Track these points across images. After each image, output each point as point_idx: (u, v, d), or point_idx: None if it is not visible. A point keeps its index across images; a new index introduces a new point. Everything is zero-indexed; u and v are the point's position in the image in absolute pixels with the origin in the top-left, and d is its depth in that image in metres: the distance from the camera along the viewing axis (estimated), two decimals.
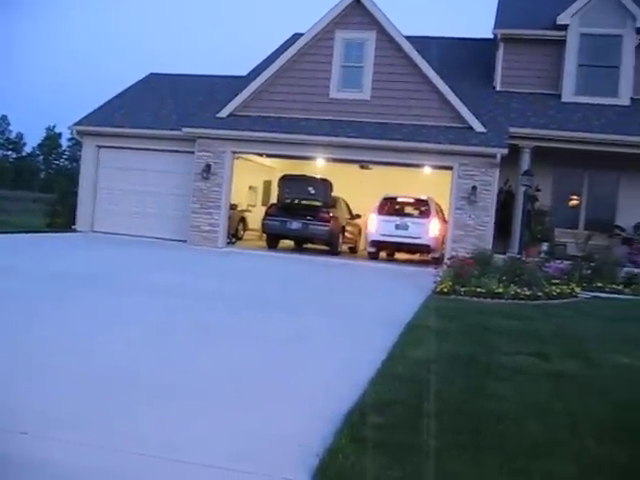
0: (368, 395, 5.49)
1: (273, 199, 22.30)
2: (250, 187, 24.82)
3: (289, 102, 19.18)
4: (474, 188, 17.42)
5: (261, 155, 20.84)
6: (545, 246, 18.05)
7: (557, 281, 13.57)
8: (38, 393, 5.17)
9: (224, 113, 19.53)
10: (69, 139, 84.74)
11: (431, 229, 18.29)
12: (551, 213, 19.25)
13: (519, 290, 12.06)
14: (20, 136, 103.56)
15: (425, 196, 19.21)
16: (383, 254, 20.32)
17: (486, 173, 17.50)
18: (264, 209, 21.26)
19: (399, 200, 19.74)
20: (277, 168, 23.56)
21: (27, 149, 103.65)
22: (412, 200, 19.63)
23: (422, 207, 19.21)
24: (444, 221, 19.20)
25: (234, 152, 19.42)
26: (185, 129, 19.49)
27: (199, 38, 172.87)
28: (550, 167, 19.56)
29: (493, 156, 17.32)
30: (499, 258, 15.14)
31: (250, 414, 5.12)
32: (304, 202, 20.15)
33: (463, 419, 5.09)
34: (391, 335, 7.87)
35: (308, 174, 20.49)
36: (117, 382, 5.58)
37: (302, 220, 19.15)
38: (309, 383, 6.13)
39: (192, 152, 19.50)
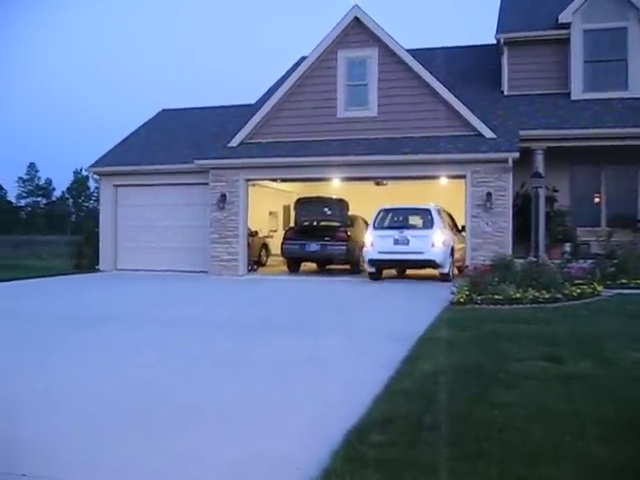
0: (371, 413, 5.46)
1: (291, 223, 22.38)
2: (270, 213, 24.98)
3: (298, 125, 19.29)
4: (489, 194, 17.30)
5: (275, 180, 20.94)
6: (567, 247, 17.80)
7: (580, 281, 13.35)
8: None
9: (235, 142, 19.70)
10: (96, 181, 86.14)
11: (436, 241, 16.32)
12: (571, 213, 19.03)
13: (537, 294, 11.89)
14: (49, 181, 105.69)
15: (427, 204, 17.36)
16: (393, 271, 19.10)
17: (500, 178, 17.37)
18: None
19: (397, 211, 17.75)
20: (294, 192, 23.66)
21: (57, 193, 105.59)
22: (412, 210, 17.79)
23: (424, 217, 17.15)
24: (456, 230, 18.41)
25: (247, 180, 19.55)
26: (197, 161, 19.68)
27: (210, 70, 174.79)
28: (566, 167, 19.38)
29: (505, 161, 17.20)
30: (520, 263, 14.96)
31: (251, 434, 5.17)
32: (321, 223, 20.18)
33: (465, 430, 5.01)
34: (401, 350, 7.81)
35: (323, 195, 20.54)
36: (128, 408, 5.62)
37: (320, 241, 19.14)
38: (314, 403, 6.10)
39: (207, 183, 19.68)
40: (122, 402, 6.12)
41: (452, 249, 16.92)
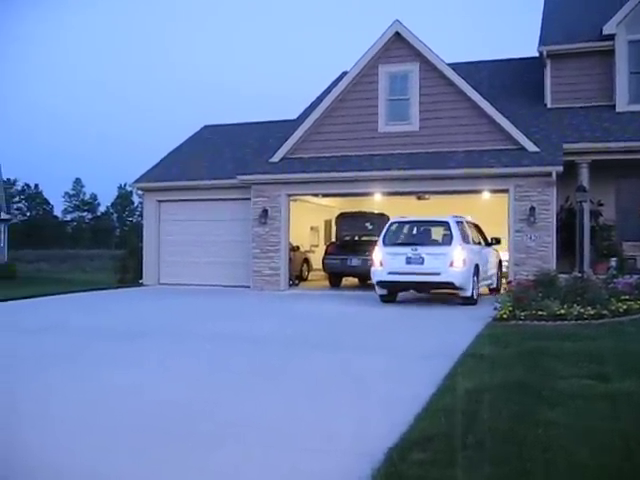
0: (412, 430, 5.41)
1: (333, 238, 22.42)
2: (312, 228, 25.04)
3: (339, 140, 19.36)
4: (532, 209, 17.11)
5: (317, 195, 21.01)
6: (613, 261, 17.50)
7: (627, 297, 13.08)
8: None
9: (276, 157, 19.83)
10: (140, 196, 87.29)
11: (455, 260, 14.29)
12: (617, 227, 18.71)
13: (582, 310, 11.68)
14: (94, 197, 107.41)
15: (446, 216, 15.35)
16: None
17: (543, 192, 17.17)
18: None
19: (411, 225, 16.01)
20: (336, 207, 23.71)
21: (101, 208, 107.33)
22: (428, 223, 16.01)
23: (442, 232, 15.22)
24: (486, 244, 17.01)
25: (289, 195, 19.65)
26: (239, 177, 19.85)
27: (252, 86, 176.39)
28: (611, 180, 19.07)
29: (549, 175, 17.00)
30: (564, 278, 14.73)
31: (292, 452, 5.14)
32: (362, 238, 20.17)
33: (508, 449, 4.94)
34: (443, 367, 7.74)
35: (365, 210, 20.54)
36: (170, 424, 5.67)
37: (361, 256, 19.08)
38: (355, 419, 6.07)
39: (248, 199, 19.83)
40: (163, 416, 6.17)
41: (477, 267, 15.05)
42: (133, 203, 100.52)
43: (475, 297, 14.85)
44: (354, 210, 20.66)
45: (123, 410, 6.43)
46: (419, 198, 20.96)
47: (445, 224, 15.00)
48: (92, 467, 4.92)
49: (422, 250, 14.68)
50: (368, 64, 19.17)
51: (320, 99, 21.05)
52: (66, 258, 51.39)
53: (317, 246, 24.24)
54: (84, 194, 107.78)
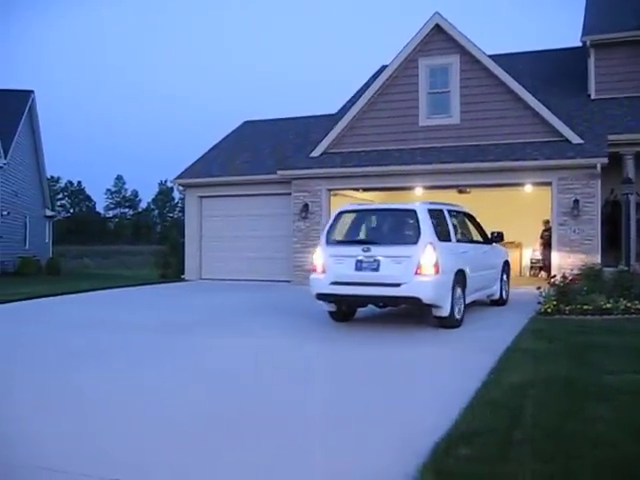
0: (458, 425, 5.38)
1: None
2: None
3: (379, 134, 19.28)
4: (576, 202, 16.85)
5: (357, 190, 20.95)
6: None
7: None
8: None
9: (317, 152, 19.84)
10: (180, 192, 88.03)
11: (424, 265, 10.05)
12: None
13: (629, 304, 11.48)
14: (135, 193, 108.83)
15: (414, 204, 11.28)
16: None
17: (587, 185, 16.90)
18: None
19: (364, 215, 11.82)
20: (376, 201, 23.59)
21: (142, 205, 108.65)
22: (388, 213, 11.66)
23: (406, 225, 10.86)
24: (485, 242, 13.14)
25: (329, 189, 19.66)
26: (280, 172, 19.92)
27: (291, 81, 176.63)
28: None
29: (593, 167, 16.72)
30: (609, 272, 14.50)
31: (338, 447, 5.14)
32: None
33: (556, 445, 4.88)
34: (488, 361, 7.68)
35: None
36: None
37: None
38: (401, 413, 6.07)
39: (289, 193, 19.89)
40: (209, 408, 6.23)
41: (461, 274, 10.91)
42: (174, 199, 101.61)
43: (457, 317, 10.64)
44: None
45: (166, 402, 6.51)
46: (460, 192, 20.77)
47: (411, 214, 10.66)
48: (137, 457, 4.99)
49: (377, 251, 10.38)
50: (408, 57, 19.03)
51: (359, 94, 21.00)
52: (108, 254, 52.23)
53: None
54: (126, 191, 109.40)
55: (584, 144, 17.15)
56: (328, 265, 10.80)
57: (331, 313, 11.48)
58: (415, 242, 10.22)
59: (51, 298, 16.21)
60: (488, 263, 12.88)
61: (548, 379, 6.85)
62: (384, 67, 20.43)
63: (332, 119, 20.88)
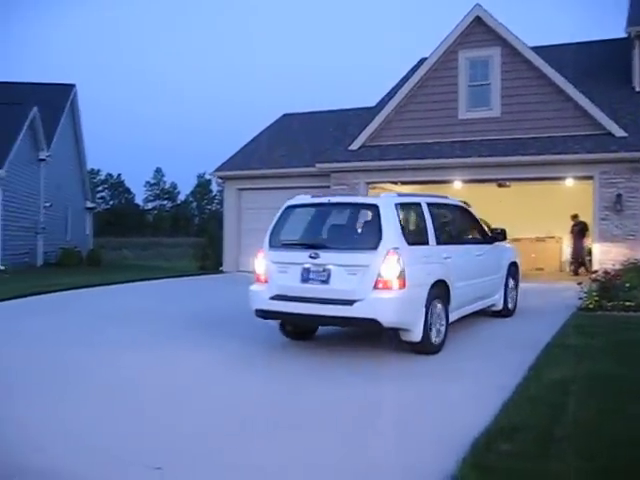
0: (498, 420, 5.35)
1: None
2: None
3: (418, 127, 19.16)
4: (619, 196, 16.57)
5: (395, 183, 20.87)
6: None
7: None
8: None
9: (355, 145, 19.80)
10: (219, 184, 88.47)
11: (386, 277, 7.88)
12: None
13: None
14: (174, 185, 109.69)
15: (377, 197, 8.87)
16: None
17: (631, 179, 16.61)
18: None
19: (318, 210, 9.29)
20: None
21: (181, 197, 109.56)
22: (346, 208, 9.33)
23: (366, 225, 8.71)
24: (486, 240, 10.73)
25: (368, 183, 19.62)
26: (318, 165, 19.93)
27: (329, 74, 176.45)
28: None
29: (637, 160, 16.42)
30: None
31: (377, 441, 5.16)
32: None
33: (598, 443, 4.83)
34: (529, 357, 7.61)
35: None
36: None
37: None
38: (440, 407, 6.06)
39: (328, 186, 19.87)
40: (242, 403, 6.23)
41: (445, 286, 8.65)
42: (212, 191, 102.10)
43: (435, 340, 8.33)
44: None
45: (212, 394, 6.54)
46: (500, 185, 20.56)
47: (372, 210, 8.38)
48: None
49: (328, 258, 8.17)
50: (448, 50, 18.87)
51: (398, 87, 20.90)
52: (147, 246, 52.72)
53: None
54: (164, 183, 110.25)
55: (628, 137, 16.85)
56: (270, 274, 8.68)
57: (282, 328, 9.19)
58: (374, 247, 7.91)
59: (92, 288, 16.46)
60: (486, 267, 10.36)
61: (589, 376, 6.77)
62: (423, 60, 20.29)
63: (370, 112, 20.82)
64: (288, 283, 8.41)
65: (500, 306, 10.98)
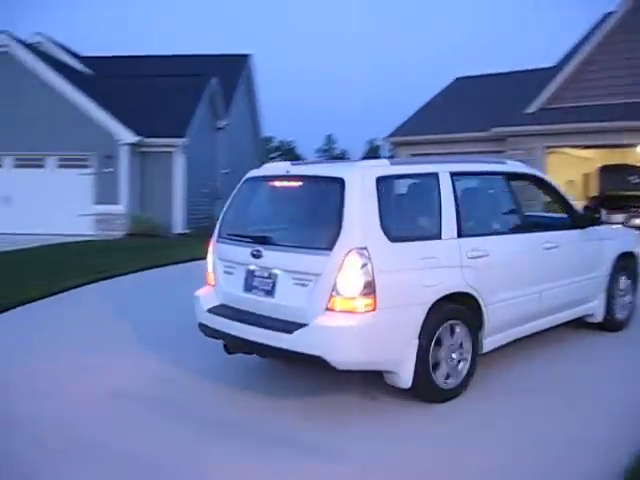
0: None
1: (592, 192, 21.12)
2: (568, 181, 23.81)
3: (603, 87, 18.05)
4: None
5: (578, 147, 19.85)
6: None
7: None
8: None
9: (533, 108, 19.01)
10: (390, 150, 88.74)
11: (343, 294, 5.04)
12: None
13: None
14: (344, 152, 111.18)
15: (345, 167, 5.72)
16: None
17: None
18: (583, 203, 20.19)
19: (276, 186, 6.27)
20: (595, 159, 22.27)
21: None
22: (307, 186, 5.83)
23: (327, 211, 5.47)
24: (573, 218, 7.35)
25: (546, 147, 18.79)
26: (494, 129, 19.35)
27: (503, 34, 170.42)
28: None
29: None
30: None
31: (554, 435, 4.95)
32: (627, 193, 18.75)
33: None
34: None
35: (630, 163, 19.07)
36: None
37: (625, 212, 17.74)
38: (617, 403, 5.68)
39: (502, 151, 19.23)
40: None
41: (471, 300, 5.72)
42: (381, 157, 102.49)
43: (445, 384, 5.50)
44: (618, 163, 19.23)
45: None
46: None
47: (335, 187, 5.30)
48: None
49: (273, 258, 5.59)
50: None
51: (580, 44, 19.73)
52: None
53: (574, 200, 22.98)
54: (335, 150, 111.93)
55: None
56: (217, 275, 6.20)
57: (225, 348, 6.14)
58: (329, 246, 5.12)
59: None
60: (570, 264, 6.99)
61: None
62: (609, 14, 19.01)
63: (549, 72, 19.83)
64: (233, 290, 5.93)
65: (600, 316, 7.49)
